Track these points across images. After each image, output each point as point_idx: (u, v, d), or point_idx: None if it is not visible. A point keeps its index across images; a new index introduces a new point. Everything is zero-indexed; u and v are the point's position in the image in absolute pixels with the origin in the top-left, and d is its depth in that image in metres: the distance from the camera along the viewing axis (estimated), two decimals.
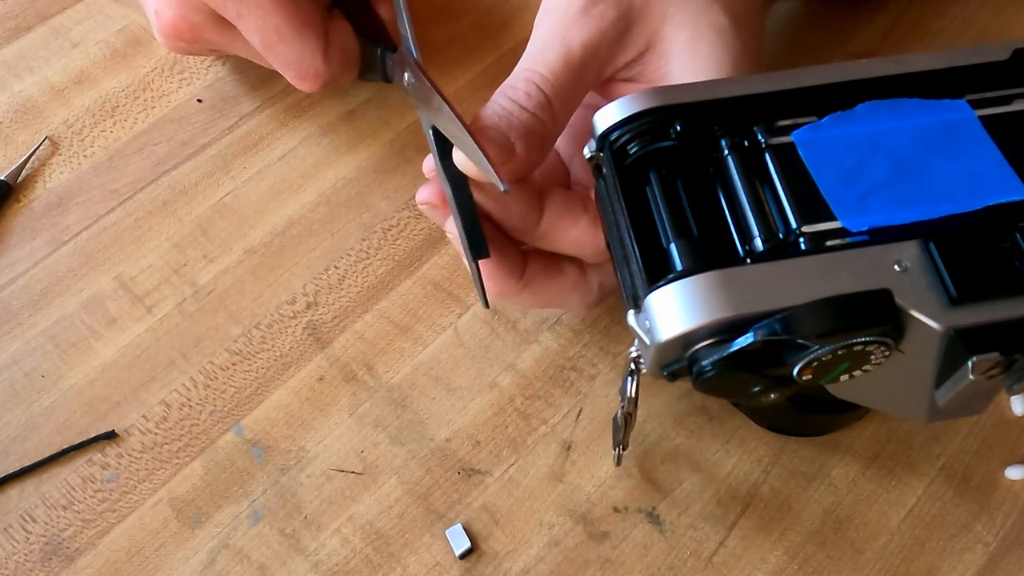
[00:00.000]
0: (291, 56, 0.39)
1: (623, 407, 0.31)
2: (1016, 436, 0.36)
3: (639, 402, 0.32)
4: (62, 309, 0.41)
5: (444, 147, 0.32)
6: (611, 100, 0.36)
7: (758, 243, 0.27)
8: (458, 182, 0.32)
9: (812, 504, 0.35)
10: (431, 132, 0.33)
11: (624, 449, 0.34)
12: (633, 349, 0.29)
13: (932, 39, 0.46)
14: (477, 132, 0.30)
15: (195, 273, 0.42)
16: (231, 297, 0.41)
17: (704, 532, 0.34)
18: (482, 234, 0.31)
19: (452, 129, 0.31)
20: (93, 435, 0.37)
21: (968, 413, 0.28)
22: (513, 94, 0.32)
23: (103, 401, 0.38)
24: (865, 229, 0.26)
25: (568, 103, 0.33)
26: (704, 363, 0.26)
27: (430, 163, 0.33)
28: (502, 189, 0.29)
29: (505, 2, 0.50)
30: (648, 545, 0.34)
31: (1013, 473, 0.35)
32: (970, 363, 0.24)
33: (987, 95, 0.29)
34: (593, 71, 0.33)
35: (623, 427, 0.33)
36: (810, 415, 0.35)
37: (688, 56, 0.34)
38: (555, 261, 0.34)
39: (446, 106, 0.31)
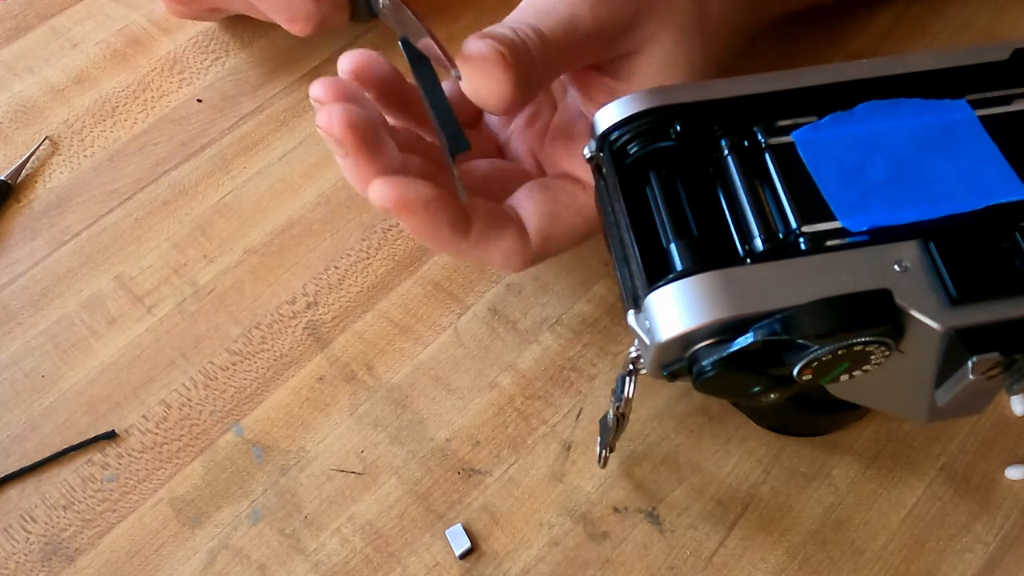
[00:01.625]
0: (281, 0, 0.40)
1: (617, 407, 0.31)
2: (1016, 436, 0.36)
3: (637, 403, 0.32)
4: (62, 309, 0.41)
5: (416, 58, 0.32)
6: (582, 89, 0.36)
7: (758, 243, 0.27)
8: (430, 86, 0.32)
9: (812, 504, 0.35)
10: (403, 45, 0.33)
11: (611, 451, 0.34)
12: (633, 349, 0.29)
13: (932, 39, 0.46)
14: (463, 56, 0.30)
15: (195, 273, 0.42)
16: (231, 297, 0.41)
17: (704, 532, 0.34)
18: (459, 127, 0.31)
19: (417, 33, 0.31)
20: (93, 435, 0.37)
21: (968, 413, 0.28)
22: (498, 27, 0.31)
23: (103, 401, 0.38)
24: (865, 229, 0.26)
25: (556, 64, 0.32)
26: (704, 363, 0.26)
27: (317, 87, 0.32)
28: (453, 76, 0.29)
29: (505, 2, 0.50)
30: (648, 545, 0.34)
31: (1013, 473, 0.35)
32: (970, 363, 0.24)
33: (987, 95, 0.29)
34: (590, 51, 0.33)
35: (613, 428, 0.32)
36: (810, 415, 0.35)
37: (660, 73, 0.34)
38: (501, 220, 0.34)
39: (410, 14, 0.31)
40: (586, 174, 0.35)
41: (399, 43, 0.33)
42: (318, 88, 0.32)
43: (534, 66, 0.31)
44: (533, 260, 0.34)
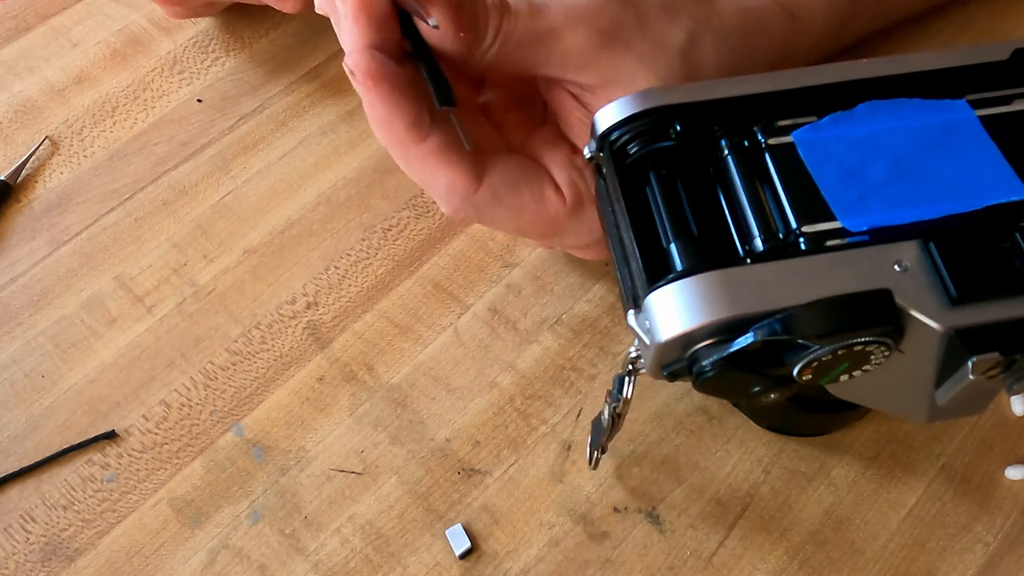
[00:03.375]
0: None
1: (613, 407, 0.31)
2: (1016, 436, 0.36)
3: (637, 403, 0.32)
4: (62, 309, 0.41)
5: (402, 15, 0.31)
6: (559, 112, 0.35)
7: (758, 243, 0.27)
8: (418, 41, 0.31)
9: (812, 504, 0.35)
10: None
11: (603, 452, 0.34)
12: (633, 349, 0.29)
13: (932, 39, 0.46)
14: None
15: (195, 273, 0.42)
16: (231, 297, 0.41)
17: (704, 532, 0.34)
18: (447, 83, 0.30)
19: None
20: (93, 435, 0.37)
21: (968, 413, 0.28)
22: None
23: (103, 401, 0.38)
24: (865, 229, 0.26)
25: (514, 39, 0.31)
26: (704, 363, 0.26)
27: None
28: (430, 24, 0.29)
29: None
30: (648, 545, 0.34)
31: (1013, 473, 0.35)
32: (970, 363, 0.24)
33: (987, 95, 0.29)
34: (556, 52, 0.32)
35: (608, 429, 0.32)
36: (810, 415, 0.35)
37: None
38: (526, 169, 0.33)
39: None
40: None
41: None
42: None
43: (479, 11, 0.31)
44: (473, 211, 0.33)
